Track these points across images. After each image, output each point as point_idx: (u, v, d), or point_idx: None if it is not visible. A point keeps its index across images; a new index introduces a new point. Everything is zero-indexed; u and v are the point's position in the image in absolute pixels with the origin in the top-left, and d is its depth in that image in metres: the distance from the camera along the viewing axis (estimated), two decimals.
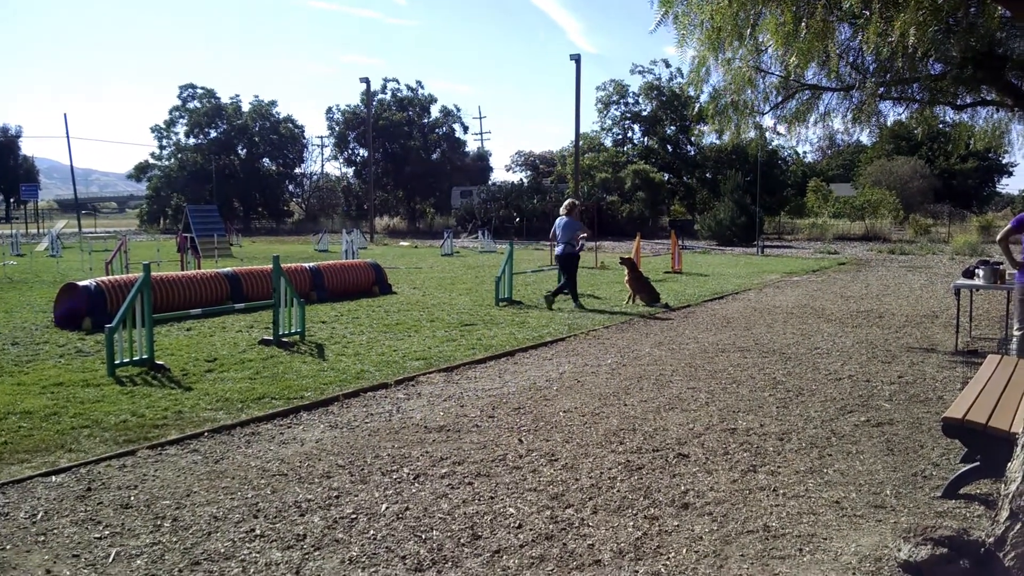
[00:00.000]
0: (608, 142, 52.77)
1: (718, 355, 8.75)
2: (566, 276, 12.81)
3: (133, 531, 3.97)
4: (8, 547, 3.78)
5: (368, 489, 4.59)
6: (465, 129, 62.69)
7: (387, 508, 4.30)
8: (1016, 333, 7.47)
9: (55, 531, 3.97)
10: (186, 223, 27.02)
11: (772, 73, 10.05)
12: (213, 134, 57.77)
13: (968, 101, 10.38)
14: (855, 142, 53.63)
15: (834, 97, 10.42)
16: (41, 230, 47.59)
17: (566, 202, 13.22)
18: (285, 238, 44.44)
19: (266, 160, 61.05)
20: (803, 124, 10.95)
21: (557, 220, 12.99)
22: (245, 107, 59.09)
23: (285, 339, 9.12)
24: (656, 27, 5.95)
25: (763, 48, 9.39)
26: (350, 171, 62.68)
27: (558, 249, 12.87)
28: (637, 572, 3.56)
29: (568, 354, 8.86)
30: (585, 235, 13.23)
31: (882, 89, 9.15)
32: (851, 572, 3.53)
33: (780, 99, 10.66)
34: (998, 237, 7.56)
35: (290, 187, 64.68)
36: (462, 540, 3.90)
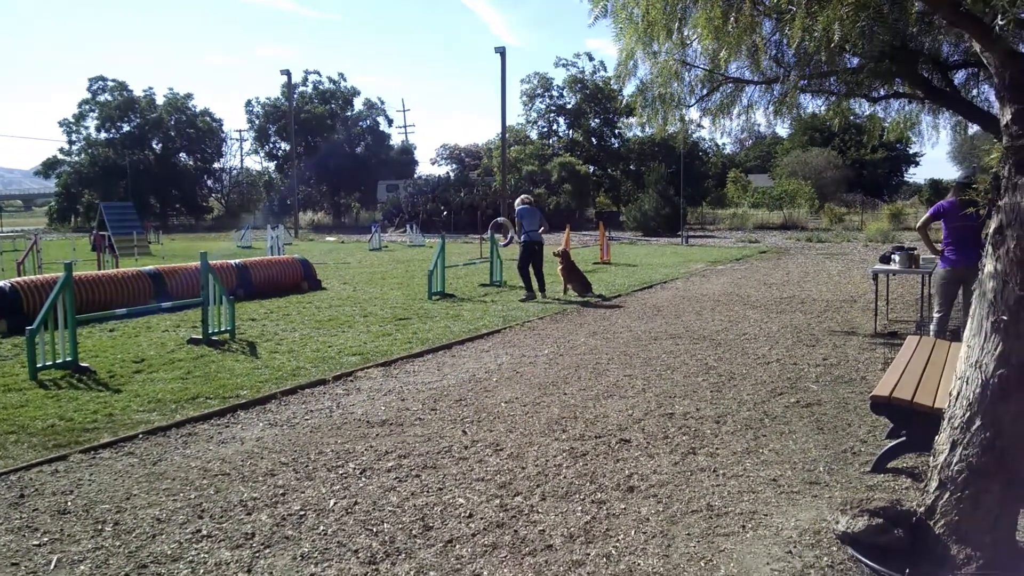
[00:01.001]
0: (534, 135, 53.11)
1: (651, 343, 8.93)
2: (535, 263, 12.99)
3: (73, 537, 3.85)
4: None
5: (314, 485, 4.55)
6: (390, 122, 62.27)
7: (335, 503, 4.27)
8: (936, 315, 7.86)
9: None
10: (101, 221, 26.06)
11: (697, 67, 10.26)
12: (126, 128, 55.81)
13: (883, 94, 10.78)
14: (774, 134, 55.28)
15: (756, 90, 10.69)
16: None
17: (523, 195, 13.62)
18: (205, 235, 43.33)
19: (183, 155, 59.35)
20: (727, 116, 11.19)
21: (520, 208, 13.14)
22: (159, 100, 57.28)
23: (215, 338, 8.92)
24: (594, 21, 6.04)
25: (688, 42, 9.59)
26: (272, 165, 61.54)
27: (526, 237, 12.93)
28: (588, 555, 3.64)
29: (505, 345, 8.92)
30: (545, 225, 13.41)
31: (803, 82, 9.45)
32: (793, 545, 3.69)
33: (705, 92, 10.87)
34: (917, 224, 7.95)
35: (209, 182, 63.06)
36: (414, 532, 3.91)
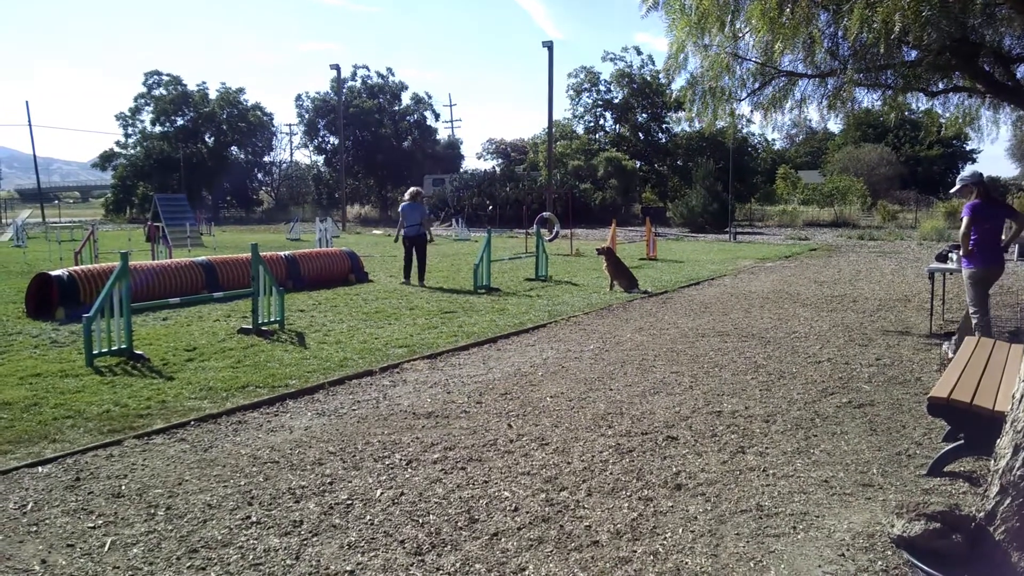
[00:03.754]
0: (580, 129, 52.89)
1: (698, 340, 8.83)
2: (419, 254, 14.17)
3: (127, 520, 3.93)
4: (0, 538, 3.73)
5: (361, 475, 4.58)
6: (436, 117, 62.42)
7: (382, 493, 4.30)
8: (976, 317, 7.65)
9: (47, 521, 3.92)
10: (155, 212, 26.61)
11: (749, 60, 10.12)
12: (180, 122, 56.86)
13: (941, 87, 10.51)
14: (825, 129, 54.26)
15: (810, 84, 10.51)
16: (4, 220, 46.65)
17: (411, 190, 14.63)
18: (255, 227, 44.02)
19: (234, 148, 60.26)
20: (779, 110, 11.03)
21: (402, 206, 14.31)
22: (212, 94, 58.23)
23: (265, 328, 9.04)
24: (647, 13, 5.98)
25: (740, 35, 9.46)
26: (320, 159, 62.15)
27: (408, 231, 14.05)
28: (635, 552, 3.60)
29: (550, 340, 8.89)
30: (430, 218, 14.71)
31: (858, 76, 9.25)
32: (845, 548, 3.60)
33: (757, 86, 10.72)
34: (962, 231, 7.66)
35: (259, 175, 63.99)
36: (459, 524, 3.91)
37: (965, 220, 7.61)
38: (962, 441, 4.57)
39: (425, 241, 14.19)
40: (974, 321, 7.67)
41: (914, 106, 14.57)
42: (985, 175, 8.10)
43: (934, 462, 4.64)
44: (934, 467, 4.62)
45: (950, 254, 9.46)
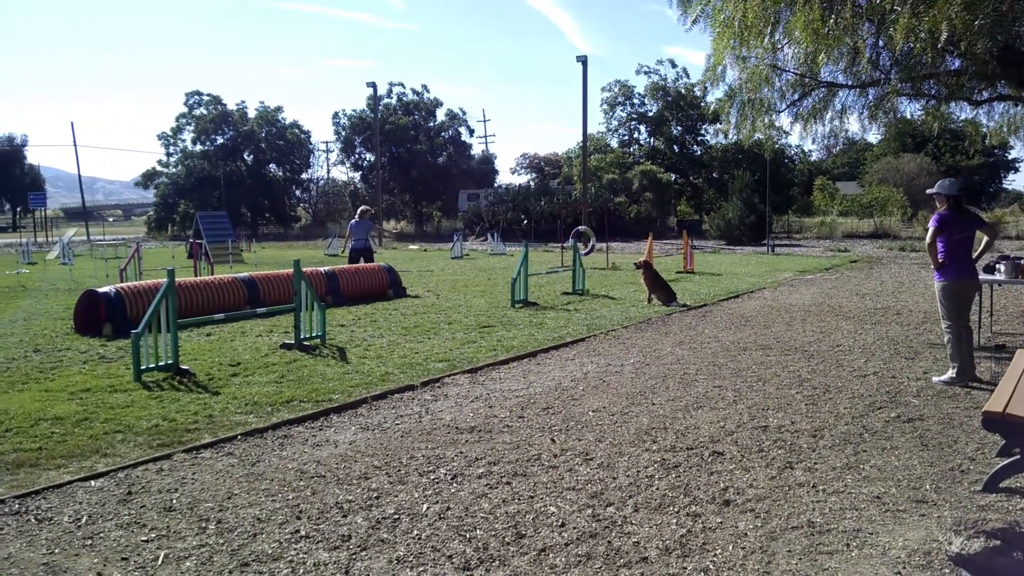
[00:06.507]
0: (614, 143, 52.82)
1: (740, 353, 8.74)
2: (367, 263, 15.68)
3: (179, 533, 3.99)
4: (57, 551, 3.80)
5: (407, 489, 4.60)
6: (471, 132, 62.86)
7: (428, 508, 4.30)
8: (946, 333, 7.38)
9: (101, 534, 3.99)
10: (196, 230, 27.08)
11: (788, 71, 10.06)
12: (220, 140, 58.01)
13: (985, 96, 10.35)
14: (864, 139, 53.56)
15: (850, 94, 10.42)
16: (50, 238, 47.77)
17: (360, 209, 16.73)
18: (293, 243, 44.55)
19: (273, 166, 61.24)
20: (819, 121, 10.94)
21: (351, 223, 16.50)
22: (251, 113, 59.34)
23: (307, 343, 9.14)
24: (691, 26, 5.97)
25: (780, 47, 9.41)
26: (357, 175, 62.87)
27: (354, 244, 16.14)
28: (685, 568, 3.56)
29: (590, 354, 8.86)
30: (374, 233, 16.49)
31: (901, 85, 9.14)
32: (901, 566, 3.53)
33: (796, 97, 10.65)
34: (927, 242, 7.40)
35: (297, 192, 64.88)
36: (506, 539, 3.90)
37: (931, 230, 7.40)
38: (1018, 456, 4.46)
39: (372, 253, 16.58)
40: (946, 338, 7.41)
41: (956, 115, 14.36)
42: None
43: (989, 478, 4.53)
44: (989, 483, 4.51)
45: (998, 265, 9.26)
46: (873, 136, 56.71)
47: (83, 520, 4.17)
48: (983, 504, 4.28)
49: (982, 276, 9.47)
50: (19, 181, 71.98)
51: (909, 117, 12.51)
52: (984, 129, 13.30)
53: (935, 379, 7.32)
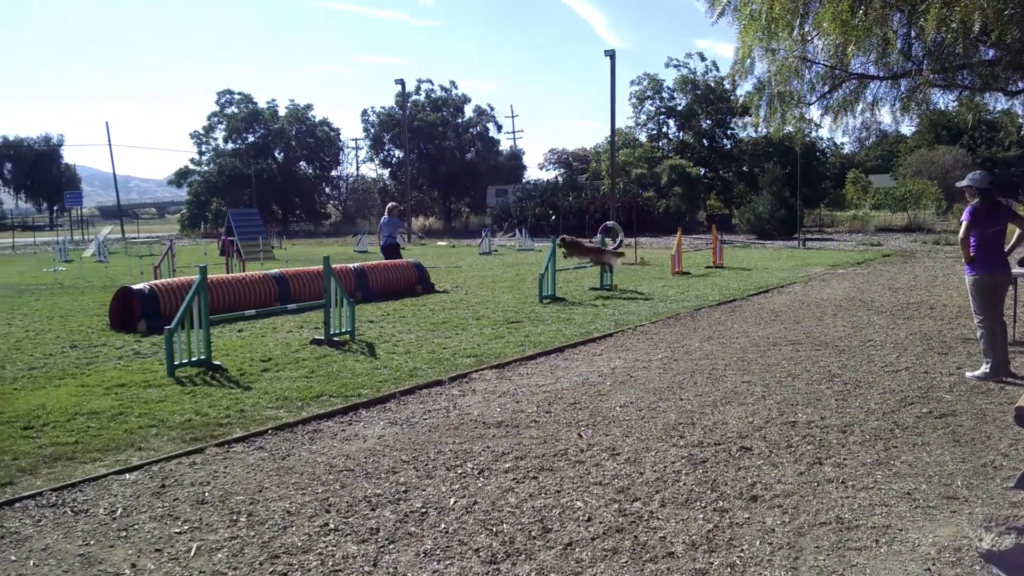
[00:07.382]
0: (643, 137, 52.48)
1: (769, 349, 8.68)
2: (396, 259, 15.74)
3: (211, 526, 4.06)
4: (92, 542, 3.89)
5: (435, 484, 4.64)
6: (499, 128, 62.85)
7: (455, 502, 4.34)
8: (978, 329, 7.26)
9: (135, 526, 4.07)
10: (228, 227, 27.41)
11: (818, 63, 9.94)
12: (251, 139, 58.59)
13: (1021, 87, 10.16)
14: (897, 132, 52.75)
15: (881, 86, 10.27)
16: (86, 236, 48.62)
17: (389, 205, 16.81)
18: (324, 240, 44.94)
19: (303, 163, 61.74)
20: (850, 113, 10.81)
21: (382, 220, 16.59)
22: (281, 111, 59.86)
23: (336, 338, 9.22)
24: (717, 19, 5.95)
25: (809, 39, 9.31)
26: (386, 172, 63.19)
27: (386, 240, 16.22)
28: (712, 564, 3.56)
29: (617, 349, 8.85)
30: (403, 230, 17.62)
31: (932, 76, 9.00)
32: (931, 563, 3.50)
33: (827, 89, 10.53)
34: (960, 236, 7.28)
35: (327, 189, 65.35)
36: (533, 533, 3.92)
37: (964, 224, 7.27)
38: None
39: (399, 248, 16.67)
40: (979, 333, 7.29)
41: (991, 106, 14.10)
42: None
43: (1022, 474, 4.46)
44: (1022, 479, 4.44)
45: None
46: (906, 128, 55.86)
47: (118, 512, 4.26)
48: (1015, 501, 4.22)
49: (1015, 270, 9.31)
50: (56, 180, 73.39)
51: (943, 108, 12.32)
52: (1020, 120, 13.06)
53: (968, 374, 7.23)
